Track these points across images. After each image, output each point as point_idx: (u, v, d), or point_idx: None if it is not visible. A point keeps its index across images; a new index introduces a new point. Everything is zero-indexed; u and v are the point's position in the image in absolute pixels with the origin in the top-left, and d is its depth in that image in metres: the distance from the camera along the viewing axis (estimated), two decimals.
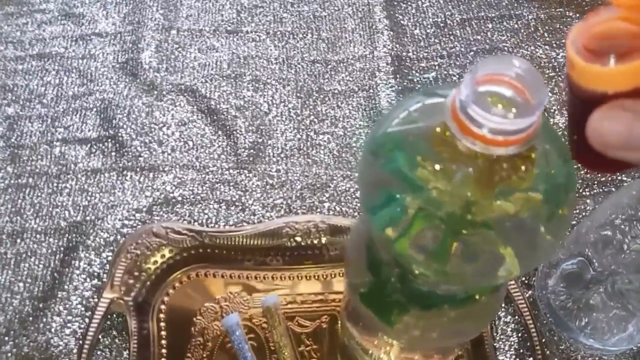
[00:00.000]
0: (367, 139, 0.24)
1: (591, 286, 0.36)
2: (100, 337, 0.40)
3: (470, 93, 0.18)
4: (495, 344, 0.39)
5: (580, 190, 0.46)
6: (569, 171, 0.22)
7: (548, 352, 0.39)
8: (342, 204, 0.46)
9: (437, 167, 0.20)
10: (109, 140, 0.49)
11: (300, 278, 0.42)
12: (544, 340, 0.39)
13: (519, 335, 0.40)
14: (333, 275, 0.42)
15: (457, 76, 0.53)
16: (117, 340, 0.40)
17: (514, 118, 0.18)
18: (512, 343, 0.39)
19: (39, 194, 0.46)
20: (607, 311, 0.36)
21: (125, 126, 0.49)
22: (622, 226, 0.33)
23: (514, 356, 0.39)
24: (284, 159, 0.48)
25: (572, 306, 0.38)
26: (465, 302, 0.25)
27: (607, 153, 0.18)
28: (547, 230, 0.20)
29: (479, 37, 0.55)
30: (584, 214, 0.45)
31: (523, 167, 0.19)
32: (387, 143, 0.22)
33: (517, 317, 0.40)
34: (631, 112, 0.17)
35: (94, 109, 0.50)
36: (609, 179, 0.47)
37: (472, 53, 0.54)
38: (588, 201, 0.46)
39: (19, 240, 0.44)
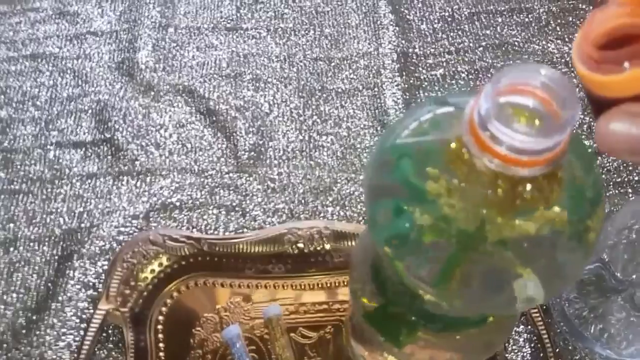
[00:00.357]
0: (376, 150, 0.22)
1: (609, 295, 0.35)
2: (96, 350, 0.38)
3: (490, 106, 0.16)
4: (507, 355, 0.37)
5: None
6: (595, 182, 0.20)
7: None
8: (347, 208, 0.44)
9: (450, 183, 0.18)
10: (105, 143, 0.47)
11: (303, 287, 0.40)
12: (557, 350, 0.37)
13: (532, 345, 0.38)
14: (337, 284, 0.40)
15: (466, 73, 0.51)
16: (113, 353, 0.38)
17: (540, 136, 0.16)
18: (525, 354, 0.38)
19: (33, 200, 0.44)
20: (625, 321, 0.35)
21: (121, 129, 0.48)
22: None
23: None
24: (286, 161, 0.46)
25: (587, 315, 0.36)
26: (479, 323, 0.23)
27: (614, 156, 0.17)
28: (572, 249, 0.18)
29: (488, 32, 0.53)
30: None
31: (548, 189, 0.17)
32: (396, 155, 0.21)
33: (529, 326, 0.38)
34: (636, 116, 0.16)
35: (89, 111, 0.49)
36: (625, 179, 0.45)
37: (480, 48, 0.52)
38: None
39: (12, 249, 0.42)
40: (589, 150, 0.20)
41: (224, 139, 0.47)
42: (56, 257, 0.42)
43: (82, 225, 0.43)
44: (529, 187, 0.17)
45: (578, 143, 0.19)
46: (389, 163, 0.22)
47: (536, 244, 0.19)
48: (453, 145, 0.18)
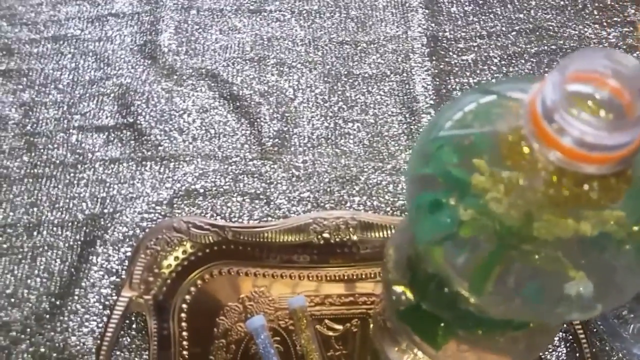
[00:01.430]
0: (419, 141, 0.20)
1: None
2: (119, 337, 0.38)
3: (558, 97, 0.15)
4: (541, 355, 0.36)
5: None
6: None
7: None
8: (374, 198, 0.43)
9: (503, 178, 0.17)
10: (128, 128, 0.46)
11: (328, 278, 0.40)
12: (594, 350, 0.36)
13: (567, 345, 0.37)
14: (364, 276, 0.39)
15: (498, 58, 0.49)
16: (136, 341, 0.38)
17: (615, 130, 0.14)
18: (560, 354, 0.36)
19: (56, 185, 0.44)
20: None
21: (144, 113, 0.47)
22: None
23: None
24: (311, 149, 0.45)
25: (627, 314, 0.35)
26: (523, 326, 0.22)
27: None
28: (634, 257, 0.17)
29: (521, 16, 0.51)
30: None
31: (616, 188, 0.15)
32: (440, 147, 0.19)
33: (565, 324, 0.37)
34: None
35: (112, 95, 0.48)
36: None
37: (514, 33, 0.50)
38: None
39: (35, 233, 0.42)
40: None
41: (248, 125, 0.46)
42: (79, 243, 0.41)
43: (105, 210, 0.43)
44: (596, 185, 0.15)
45: None
46: (432, 155, 0.21)
47: (592, 246, 0.18)
48: (510, 137, 0.16)
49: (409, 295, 0.24)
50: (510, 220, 0.18)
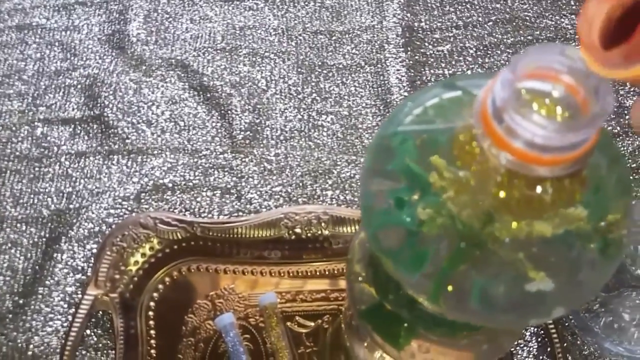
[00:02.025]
0: (377, 135, 0.20)
1: (622, 289, 0.33)
2: (84, 336, 0.37)
3: (508, 96, 0.14)
4: (512, 350, 0.36)
5: None
6: (622, 178, 0.18)
7: (570, 357, 0.36)
8: (347, 192, 0.42)
9: (456, 177, 0.16)
10: (94, 120, 0.45)
11: (300, 274, 0.39)
12: (565, 344, 0.36)
13: (539, 339, 0.36)
14: (336, 271, 0.39)
15: (474, 49, 0.48)
16: (103, 340, 0.37)
17: (566, 130, 0.14)
18: (531, 349, 0.36)
19: (20, 179, 0.43)
20: (637, 317, 0.33)
21: (111, 105, 0.45)
22: None
23: None
24: (283, 141, 0.44)
25: (598, 309, 0.35)
26: (481, 327, 0.21)
27: None
28: (594, 256, 0.16)
29: (498, 6, 0.50)
30: None
31: (570, 189, 0.15)
32: (398, 142, 0.19)
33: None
34: None
35: (78, 86, 0.46)
36: None
37: (490, 23, 0.49)
38: None
39: None
40: (614, 143, 0.18)
41: (219, 117, 0.45)
42: (44, 240, 0.40)
43: (71, 206, 0.41)
44: (548, 187, 0.15)
45: (604, 135, 0.17)
46: (390, 150, 0.20)
47: (552, 246, 0.17)
48: (461, 136, 0.16)
49: (372, 293, 0.24)
50: (466, 221, 0.17)
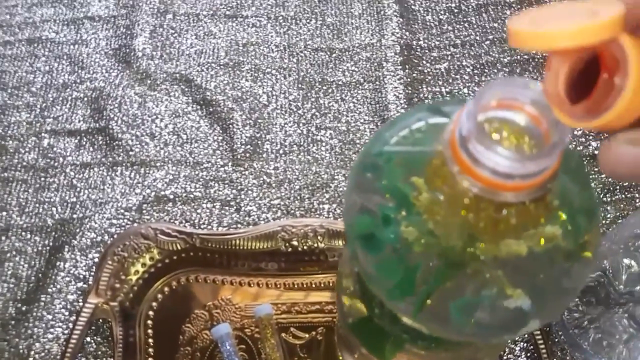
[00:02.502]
0: (362, 153, 0.21)
1: (611, 307, 0.33)
2: (84, 343, 0.38)
3: (472, 126, 0.15)
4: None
5: (601, 196, 0.43)
6: (589, 196, 0.18)
7: None
8: (343, 205, 0.43)
9: (433, 199, 0.17)
10: (99, 132, 0.46)
11: (296, 285, 0.40)
12: None
13: (528, 355, 0.37)
14: (331, 284, 0.40)
15: (471, 67, 0.49)
16: (102, 347, 0.38)
17: (528, 159, 0.15)
18: None
19: (26, 189, 0.44)
20: (625, 334, 0.34)
21: (116, 117, 0.47)
22: None
23: None
24: (283, 155, 0.45)
25: (587, 325, 0.35)
26: (465, 342, 0.22)
27: (618, 180, 0.15)
28: (567, 269, 0.17)
29: (495, 25, 0.51)
30: (604, 222, 0.42)
31: (536, 212, 0.16)
32: (383, 161, 0.20)
33: (526, 334, 0.37)
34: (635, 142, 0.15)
35: (85, 99, 0.48)
36: (633, 183, 0.44)
37: (487, 42, 0.50)
38: (609, 208, 0.42)
39: (3, 238, 0.42)
40: (581, 161, 0.18)
41: (220, 131, 0.46)
42: (48, 248, 0.41)
43: (75, 215, 0.42)
44: (514, 211, 0.16)
45: (570, 156, 0.18)
46: (373, 169, 0.21)
47: (525, 263, 0.18)
48: (435, 161, 0.17)
49: (360, 307, 0.24)
50: (444, 240, 0.18)
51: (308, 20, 0.52)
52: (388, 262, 0.19)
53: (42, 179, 0.44)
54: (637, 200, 0.43)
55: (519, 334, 0.19)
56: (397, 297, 0.18)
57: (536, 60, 0.50)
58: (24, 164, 0.45)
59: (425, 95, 0.48)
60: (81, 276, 0.40)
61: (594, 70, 0.15)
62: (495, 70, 0.49)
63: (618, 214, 0.42)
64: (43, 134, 0.46)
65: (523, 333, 0.19)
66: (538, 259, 0.18)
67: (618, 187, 0.44)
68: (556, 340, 0.37)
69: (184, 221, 0.42)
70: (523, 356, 0.37)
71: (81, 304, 0.39)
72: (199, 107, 0.47)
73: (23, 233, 0.42)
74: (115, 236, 0.41)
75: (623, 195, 0.43)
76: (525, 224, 0.16)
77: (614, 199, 0.43)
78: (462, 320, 0.19)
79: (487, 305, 0.19)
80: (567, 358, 0.37)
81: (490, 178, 0.15)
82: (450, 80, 0.48)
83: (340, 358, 0.34)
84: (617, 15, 0.14)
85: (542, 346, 0.36)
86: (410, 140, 0.20)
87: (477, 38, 0.51)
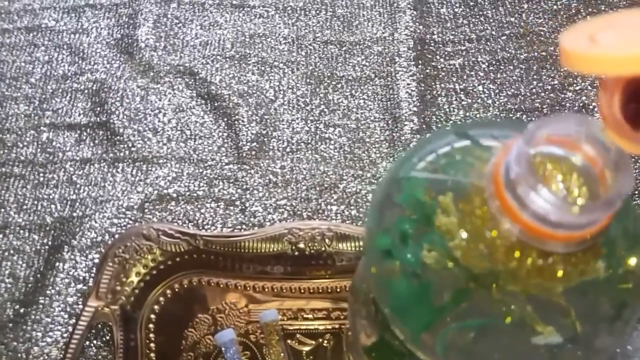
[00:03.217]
0: (388, 177, 0.19)
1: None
2: (84, 347, 0.37)
3: (522, 170, 0.13)
4: None
5: None
6: (632, 220, 0.17)
7: None
8: (352, 207, 0.41)
9: (465, 232, 0.16)
10: (100, 127, 0.45)
11: (302, 290, 0.38)
12: None
13: None
14: (338, 289, 0.38)
15: (486, 64, 0.47)
16: (102, 352, 0.37)
17: (582, 210, 0.13)
18: None
19: (24, 185, 0.42)
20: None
21: (117, 111, 0.45)
22: None
23: None
24: (290, 154, 0.44)
25: None
26: None
27: None
28: (609, 312, 0.16)
29: (512, 19, 0.49)
30: None
31: (583, 262, 0.14)
32: (409, 185, 0.18)
33: None
34: None
35: (85, 91, 0.46)
36: None
37: (504, 37, 0.48)
38: None
39: (1, 236, 0.40)
40: (628, 197, 0.17)
41: (225, 127, 0.44)
42: (46, 247, 0.40)
43: (74, 214, 0.41)
44: (560, 259, 0.14)
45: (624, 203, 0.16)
46: (400, 192, 0.19)
47: (563, 300, 0.17)
48: (472, 197, 0.15)
49: (375, 330, 0.23)
50: (473, 271, 0.17)
51: (318, 12, 0.50)
52: (410, 294, 0.17)
53: (41, 174, 0.43)
54: None
55: None
56: (417, 336, 0.17)
57: (554, 57, 0.48)
58: (22, 158, 0.43)
59: (439, 92, 0.46)
60: (81, 278, 0.39)
61: None
62: (511, 67, 0.47)
63: None
64: (42, 128, 0.45)
65: None
66: (575, 296, 0.16)
67: (637, 192, 0.42)
68: None
69: (187, 221, 0.41)
70: None
71: (81, 306, 0.37)
72: (203, 101, 0.46)
73: (21, 231, 0.41)
74: (116, 236, 0.40)
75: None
76: (567, 272, 0.14)
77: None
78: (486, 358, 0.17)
79: (515, 340, 0.18)
80: None
81: (537, 225, 0.13)
82: (465, 77, 0.47)
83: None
84: None
85: None
86: (437, 165, 0.19)
87: (493, 33, 0.49)
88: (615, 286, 0.17)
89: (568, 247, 0.14)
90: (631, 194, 0.42)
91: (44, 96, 0.46)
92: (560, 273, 0.14)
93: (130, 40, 0.48)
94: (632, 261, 0.17)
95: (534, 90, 0.46)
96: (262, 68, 0.47)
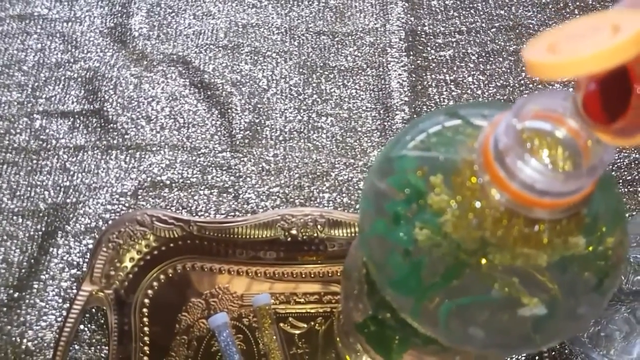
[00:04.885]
0: (380, 158, 0.20)
1: (612, 303, 0.33)
2: (78, 331, 0.37)
3: (510, 141, 0.14)
4: None
5: None
6: (618, 212, 0.18)
7: None
8: (344, 195, 0.42)
9: (456, 206, 0.16)
10: (94, 114, 0.45)
11: (295, 275, 0.39)
12: (553, 353, 0.36)
13: None
14: (330, 274, 0.39)
15: (476, 55, 0.48)
16: (96, 335, 0.37)
17: (567, 178, 0.14)
18: (520, 356, 0.37)
19: (17, 172, 0.43)
20: (625, 331, 0.33)
21: (111, 99, 0.45)
22: None
23: None
24: (282, 142, 0.44)
25: None
26: None
27: None
28: (591, 281, 0.17)
29: (502, 12, 0.50)
30: None
31: (567, 229, 0.15)
32: (401, 165, 0.19)
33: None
34: None
35: (79, 79, 0.46)
36: (636, 177, 0.43)
37: (493, 29, 0.49)
38: None
39: None
40: (611, 174, 0.18)
41: (219, 116, 0.45)
42: (40, 233, 0.40)
43: (68, 200, 0.41)
44: (546, 227, 0.15)
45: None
46: (393, 173, 0.20)
47: (548, 272, 0.17)
48: (463, 170, 0.16)
49: (367, 306, 0.24)
50: (462, 246, 0.17)
51: (310, 2, 0.50)
52: (401, 265, 0.18)
53: (34, 161, 0.43)
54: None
55: (535, 349, 0.19)
56: (402, 292, 0.17)
57: None
58: (15, 145, 0.43)
59: (429, 83, 0.46)
60: (75, 263, 0.39)
61: (625, 86, 0.14)
62: (501, 59, 0.48)
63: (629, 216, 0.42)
64: (35, 115, 0.45)
65: (539, 349, 0.18)
66: (562, 267, 0.17)
67: (621, 181, 0.43)
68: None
69: (180, 208, 0.41)
70: None
71: (75, 291, 0.38)
72: (196, 90, 0.46)
73: (14, 217, 0.41)
74: (110, 222, 0.40)
75: (626, 189, 0.43)
76: (556, 240, 0.15)
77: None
78: (473, 330, 0.18)
79: (502, 312, 0.18)
80: (566, 351, 0.37)
81: (525, 193, 0.14)
82: (455, 68, 0.47)
83: (340, 347, 0.34)
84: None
85: None
86: (428, 144, 0.20)
87: (483, 25, 0.49)
88: (595, 262, 0.18)
89: (553, 214, 0.14)
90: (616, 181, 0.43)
91: (36, 84, 0.46)
92: (545, 240, 0.15)
93: (123, 29, 0.48)
94: (611, 240, 0.18)
95: (522, 81, 0.47)
96: (255, 57, 0.48)
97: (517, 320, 0.17)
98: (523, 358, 0.37)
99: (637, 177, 0.43)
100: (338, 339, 0.35)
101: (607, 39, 0.13)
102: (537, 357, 0.36)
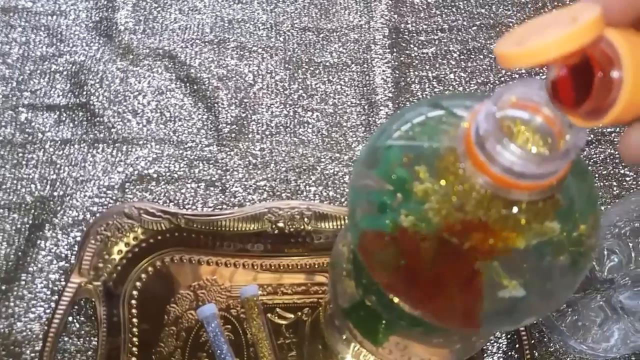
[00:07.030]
0: (366, 148, 0.21)
1: (588, 291, 0.35)
2: (67, 323, 0.37)
3: (490, 127, 0.15)
4: (482, 347, 0.38)
5: None
6: (591, 196, 0.19)
7: (537, 354, 0.38)
8: (330, 188, 0.43)
9: (438, 191, 0.17)
10: (80, 108, 0.45)
11: (282, 267, 0.40)
12: (533, 341, 0.38)
13: (508, 336, 0.38)
14: (317, 266, 0.40)
15: (458, 53, 0.49)
16: (85, 327, 0.38)
17: (542, 160, 0.15)
18: (501, 345, 0.38)
19: (3, 165, 0.42)
20: (601, 319, 0.35)
21: (97, 93, 0.45)
22: (629, 237, 0.31)
23: (502, 358, 0.38)
24: (269, 136, 0.45)
25: (565, 309, 0.37)
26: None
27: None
28: (564, 267, 0.18)
29: (482, 11, 0.51)
30: None
31: (544, 210, 0.16)
32: (386, 155, 0.20)
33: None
34: None
35: (64, 73, 0.46)
36: (611, 172, 0.45)
37: (474, 28, 0.51)
38: None
39: None
40: (582, 160, 0.19)
41: (205, 110, 0.45)
42: (27, 226, 0.40)
43: (55, 193, 0.41)
44: (524, 209, 0.16)
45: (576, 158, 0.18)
46: (378, 162, 0.21)
47: (526, 256, 0.19)
48: (446, 156, 0.17)
49: (354, 291, 0.25)
50: (444, 231, 0.18)
51: None
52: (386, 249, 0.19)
53: (20, 154, 0.43)
54: (615, 189, 0.44)
55: (513, 327, 0.20)
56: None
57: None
58: (0, 139, 0.43)
59: (412, 80, 0.48)
60: (63, 255, 0.39)
61: (591, 72, 0.15)
62: (481, 56, 0.49)
63: (604, 208, 0.43)
64: (20, 108, 0.45)
65: (517, 327, 0.19)
66: (539, 251, 0.18)
67: (597, 176, 0.45)
68: (534, 322, 0.39)
69: (167, 201, 0.42)
70: (503, 337, 0.38)
71: (63, 283, 0.38)
72: (182, 84, 0.46)
73: (1, 210, 0.41)
74: (97, 215, 0.40)
75: (602, 183, 0.44)
76: (533, 221, 0.16)
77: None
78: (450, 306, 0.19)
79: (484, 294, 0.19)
80: (545, 339, 0.39)
81: (504, 177, 0.15)
82: (437, 65, 0.49)
83: (326, 336, 0.34)
84: (594, 18, 0.14)
85: (522, 327, 0.37)
86: (412, 133, 0.21)
87: (465, 23, 0.51)
88: (569, 247, 0.19)
89: (531, 196, 0.16)
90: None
91: (21, 77, 0.46)
92: (523, 221, 0.16)
93: (109, 23, 0.49)
94: (584, 226, 0.19)
95: (502, 78, 0.48)
96: (241, 53, 0.48)
97: (499, 301, 0.18)
98: (504, 345, 0.38)
99: (612, 172, 0.45)
100: (325, 328, 0.36)
101: (566, 28, 0.14)
102: (517, 346, 0.38)
